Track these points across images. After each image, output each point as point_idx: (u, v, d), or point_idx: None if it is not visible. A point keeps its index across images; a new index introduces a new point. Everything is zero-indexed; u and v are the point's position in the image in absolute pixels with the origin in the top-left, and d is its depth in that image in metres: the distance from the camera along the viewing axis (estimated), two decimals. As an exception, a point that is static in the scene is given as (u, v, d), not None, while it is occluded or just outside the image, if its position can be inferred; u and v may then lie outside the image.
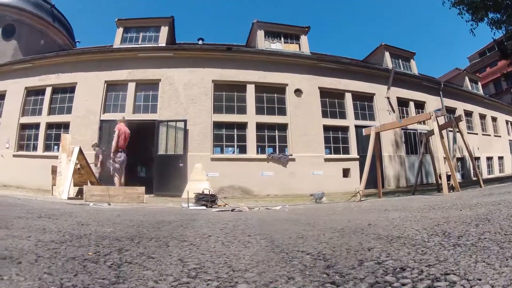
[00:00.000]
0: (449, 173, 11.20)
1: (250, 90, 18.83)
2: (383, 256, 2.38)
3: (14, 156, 18.90)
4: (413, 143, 21.77)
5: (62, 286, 1.79)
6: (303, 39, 22.20)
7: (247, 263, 2.43)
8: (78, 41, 32.57)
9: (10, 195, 11.67)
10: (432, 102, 23.40)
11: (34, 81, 19.87)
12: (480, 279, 1.66)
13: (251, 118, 18.37)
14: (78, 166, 13.78)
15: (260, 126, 18.44)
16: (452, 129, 14.21)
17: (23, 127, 19.62)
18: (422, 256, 2.25)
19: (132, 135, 16.07)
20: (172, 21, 21.53)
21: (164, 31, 20.91)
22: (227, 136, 18.24)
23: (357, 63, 24.35)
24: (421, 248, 2.54)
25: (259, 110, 18.71)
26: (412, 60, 25.76)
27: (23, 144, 19.42)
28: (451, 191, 10.79)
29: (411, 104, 22.78)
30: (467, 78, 31.26)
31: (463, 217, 4.19)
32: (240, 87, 18.91)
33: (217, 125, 18.18)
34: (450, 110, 24.54)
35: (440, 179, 11.30)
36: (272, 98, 19.16)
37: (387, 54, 24.24)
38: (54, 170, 14.20)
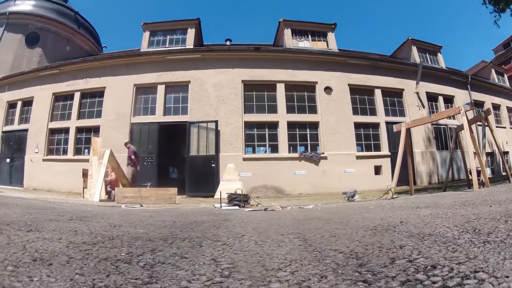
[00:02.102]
0: (479, 169, 11.08)
1: (280, 89, 18.79)
2: (415, 254, 2.39)
3: (44, 160, 19.37)
4: (444, 138, 21.38)
5: (94, 287, 1.84)
6: (330, 36, 22.08)
7: (280, 262, 2.46)
8: (104, 46, 33.17)
9: (41, 199, 11.82)
10: (461, 96, 22.90)
11: (62, 87, 20.32)
12: (507, 276, 1.67)
13: (282, 117, 18.34)
14: (110, 169, 13.98)
15: (291, 125, 18.39)
16: (481, 123, 14.02)
17: (52, 132, 20.08)
18: (453, 254, 2.26)
19: (164, 137, 16.41)
20: (198, 23, 21.67)
21: (191, 33, 21.08)
22: (258, 136, 18.25)
23: (385, 58, 24.20)
24: (451, 245, 2.54)
25: (290, 109, 18.66)
26: (439, 54, 25.22)
27: (53, 148, 19.86)
28: (481, 187, 10.67)
29: (440, 98, 22.32)
30: (493, 71, 30.28)
31: (493, 213, 4.16)
32: (270, 86, 18.90)
33: (249, 125, 18.22)
34: (478, 104, 23.85)
35: (471, 174, 11.19)
36: (302, 96, 19.09)
37: (414, 49, 23.86)
38: (85, 173, 14.42)
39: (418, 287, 1.72)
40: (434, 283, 1.73)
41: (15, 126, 21.31)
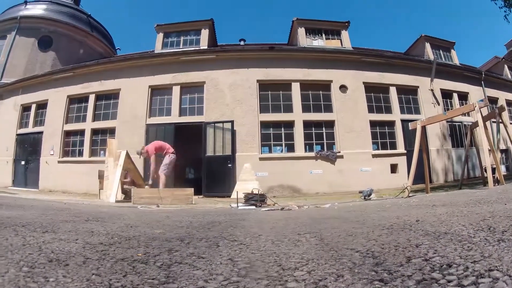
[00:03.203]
0: (494, 166, 11.01)
1: (295, 88, 18.74)
2: (431, 252, 2.39)
3: (59, 162, 19.59)
4: (459, 135, 21.13)
5: (111, 287, 1.84)
6: (344, 34, 22.09)
7: (297, 261, 2.47)
8: (118, 49, 33.63)
9: (56, 200, 11.87)
10: (475, 93, 22.60)
11: (77, 89, 20.51)
12: (521, 274, 1.68)
13: (298, 116, 18.29)
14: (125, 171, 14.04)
15: (307, 124, 18.35)
16: (495, 120, 13.92)
17: (67, 134, 20.29)
18: (468, 252, 2.26)
19: (180, 137, 16.51)
20: (212, 24, 21.78)
21: (204, 33, 21.21)
22: (274, 135, 18.22)
23: (400, 56, 24.00)
24: (467, 244, 2.54)
25: (305, 108, 18.60)
26: (452, 50, 24.97)
27: (68, 150, 20.10)
28: (496, 184, 10.59)
29: (455, 95, 22.06)
30: (506, 67, 29.57)
31: (508, 211, 4.15)
32: (285, 85, 18.85)
33: (264, 125, 18.21)
34: (492, 100, 23.15)
35: (486, 172, 11.12)
36: (317, 95, 19.02)
37: (427, 45, 23.71)
38: (101, 175, 14.49)
39: (434, 286, 1.73)
40: (449, 281, 1.73)
41: (30, 129, 21.56)
